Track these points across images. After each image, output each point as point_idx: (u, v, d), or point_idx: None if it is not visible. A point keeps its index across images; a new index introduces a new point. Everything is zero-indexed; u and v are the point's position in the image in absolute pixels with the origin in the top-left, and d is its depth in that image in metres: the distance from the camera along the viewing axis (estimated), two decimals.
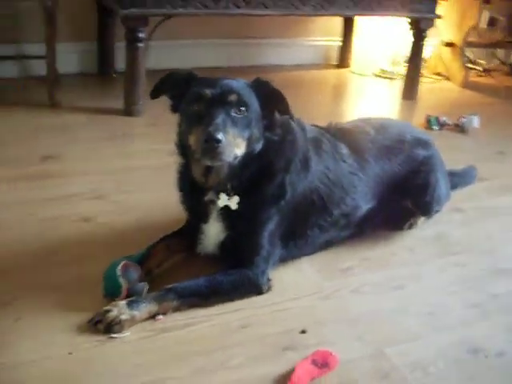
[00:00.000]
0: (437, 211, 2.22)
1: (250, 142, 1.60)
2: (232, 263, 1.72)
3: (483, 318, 1.71)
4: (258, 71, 4.26)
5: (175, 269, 1.80)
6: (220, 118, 1.50)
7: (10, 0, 3.29)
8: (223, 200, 1.67)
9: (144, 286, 1.63)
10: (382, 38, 4.40)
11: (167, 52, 3.76)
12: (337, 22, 4.39)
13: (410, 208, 2.11)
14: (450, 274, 1.93)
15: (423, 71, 4.09)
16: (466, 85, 4.29)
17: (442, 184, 2.11)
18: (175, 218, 1.93)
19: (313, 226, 1.85)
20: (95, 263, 1.72)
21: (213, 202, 1.69)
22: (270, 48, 4.35)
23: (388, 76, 4.33)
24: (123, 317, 1.50)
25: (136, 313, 1.52)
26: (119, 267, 1.61)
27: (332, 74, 4.45)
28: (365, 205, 1.95)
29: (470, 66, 4.54)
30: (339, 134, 1.96)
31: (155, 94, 1.68)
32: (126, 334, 1.50)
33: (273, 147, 1.68)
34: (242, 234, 1.71)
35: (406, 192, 2.05)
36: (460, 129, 3.32)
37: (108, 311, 1.51)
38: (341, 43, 4.46)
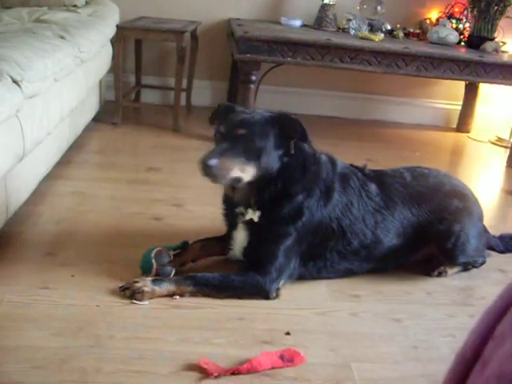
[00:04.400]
0: (468, 264, 2.25)
1: (260, 166, 1.84)
2: (249, 267, 2.00)
3: None
4: (374, 125, 4.53)
5: (205, 266, 2.11)
6: (219, 148, 1.80)
7: (158, 41, 3.99)
8: (249, 213, 1.97)
9: (171, 270, 1.98)
10: (505, 105, 4.38)
11: (275, 96, 4.23)
12: (460, 87, 4.47)
13: (438, 256, 2.20)
14: (456, 321, 1.96)
15: None
16: None
17: (470, 236, 2.15)
18: None
19: (331, 250, 2.05)
20: (146, 248, 2.06)
21: (242, 214, 2.00)
22: (389, 105, 4.57)
23: (503, 144, 4.26)
24: (145, 289, 1.86)
25: (157, 288, 1.87)
26: (154, 251, 1.99)
27: (449, 137, 4.50)
28: (387, 241, 2.10)
29: None
30: (373, 174, 2.15)
31: (210, 121, 2.04)
32: (145, 303, 1.85)
33: (292, 173, 1.93)
34: (260, 243, 1.98)
35: (430, 237, 2.14)
36: None
37: (135, 282, 1.88)
38: (462, 107, 4.51)
